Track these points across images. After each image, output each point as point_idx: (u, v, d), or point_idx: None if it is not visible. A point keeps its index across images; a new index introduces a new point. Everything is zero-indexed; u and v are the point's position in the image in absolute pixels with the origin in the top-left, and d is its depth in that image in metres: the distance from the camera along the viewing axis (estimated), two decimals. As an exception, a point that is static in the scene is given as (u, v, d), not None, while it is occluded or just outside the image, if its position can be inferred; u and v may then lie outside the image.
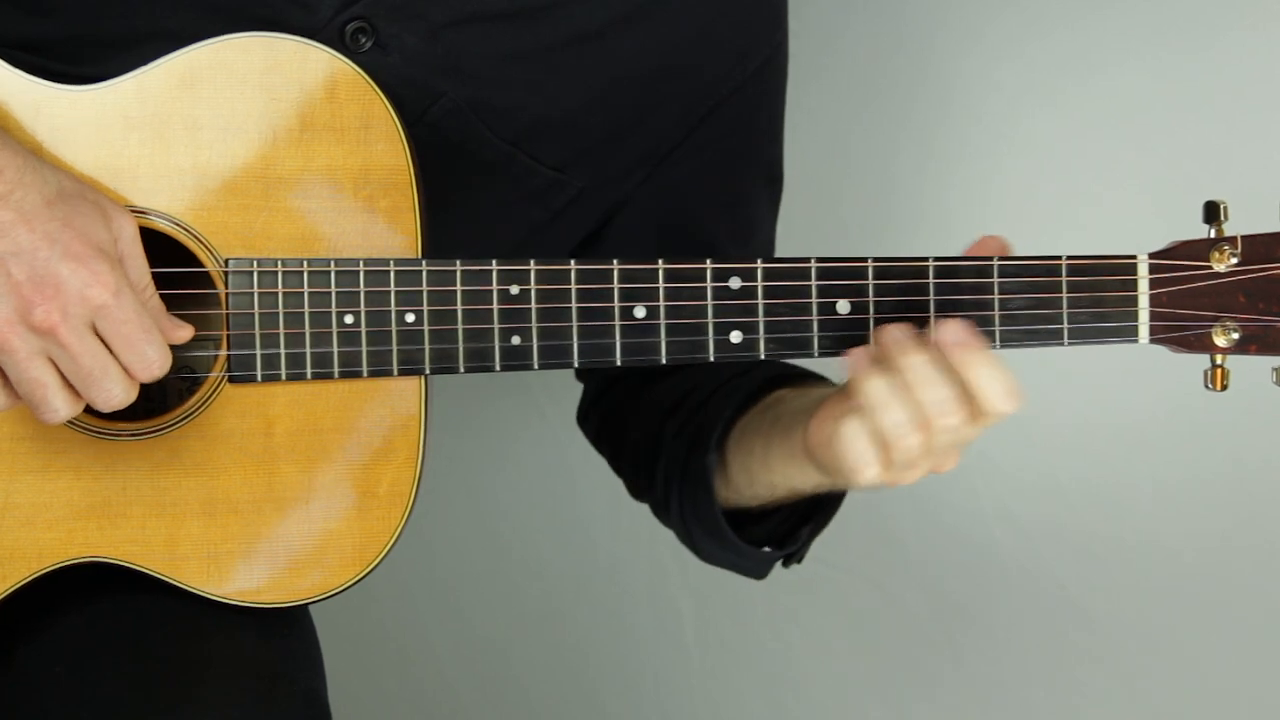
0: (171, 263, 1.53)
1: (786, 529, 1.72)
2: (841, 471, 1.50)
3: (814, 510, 1.71)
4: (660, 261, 1.55)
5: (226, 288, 1.54)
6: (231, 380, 1.55)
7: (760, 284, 1.54)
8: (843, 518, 1.74)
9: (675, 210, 1.77)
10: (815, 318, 1.54)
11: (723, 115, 1.76)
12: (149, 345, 1.47)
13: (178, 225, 1.54)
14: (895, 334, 1.49)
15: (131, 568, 1.56)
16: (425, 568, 2.54)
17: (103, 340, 1.47)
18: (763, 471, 1.66)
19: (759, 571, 1.76)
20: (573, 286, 1.54)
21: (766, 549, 1.73)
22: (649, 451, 1.77)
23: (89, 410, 1.51)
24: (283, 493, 1.57)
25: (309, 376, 1.55)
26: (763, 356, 1.55)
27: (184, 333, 1.51)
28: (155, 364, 1.48)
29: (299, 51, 1.55)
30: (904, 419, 1.45)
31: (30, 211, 1.45)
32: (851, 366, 1.50)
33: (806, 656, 2.50)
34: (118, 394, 1.48)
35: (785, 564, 1.75)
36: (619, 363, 1.55)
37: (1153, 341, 1.55)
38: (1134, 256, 1.54)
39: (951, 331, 1.46)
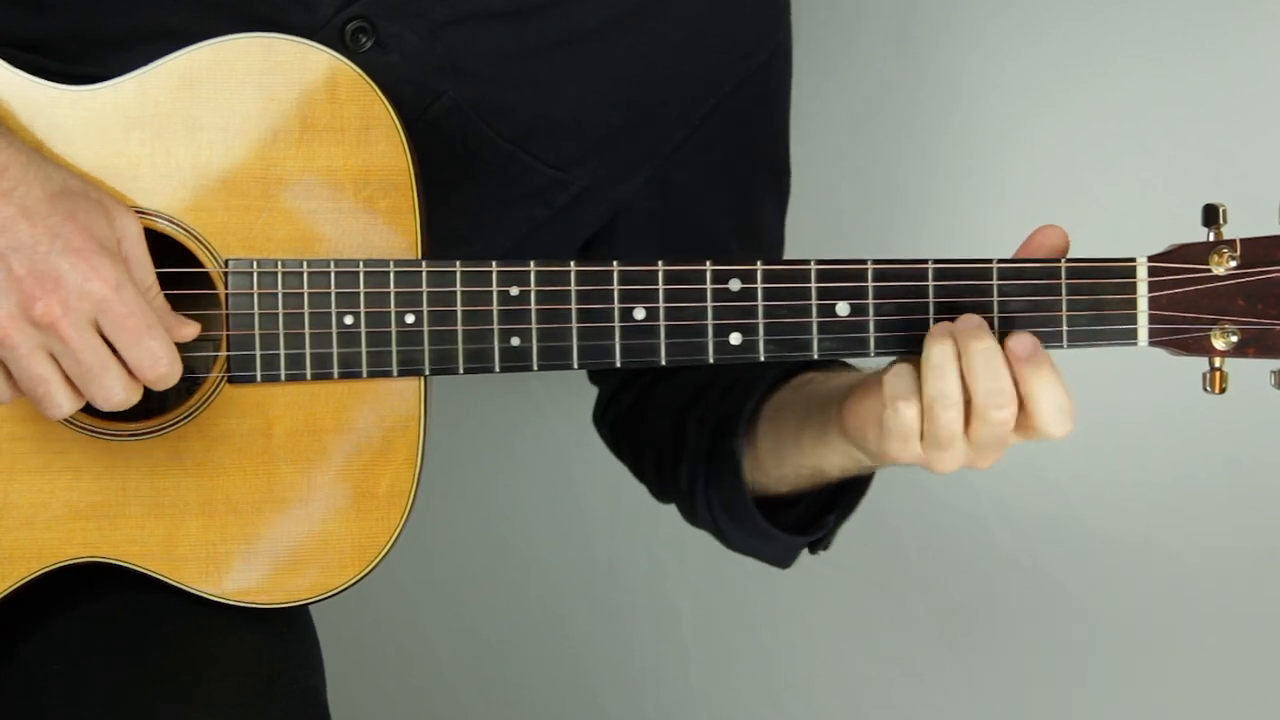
0: (171, 263, 1.53)
1: (812, 516, 1.73)
2: (886, 437, 1.51)
3: (838, 498, 1.72)
4: (660, 263, 1.55)
5: (226, 288, 1.54)
6: (231, 381, 1.55)
7: (760, 286, 1.54)
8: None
9: (681, 209, 1.77)
10: (815, 319, 1.54)
11: (726, 113, 1.76)
12: (153, 339, 1.47)
13: (177, 225, 1.54)
14: (974, 320, 1.50)
15: (130, 568, 1.57)
16: (424, 568, 2.54)
17: (106, 337, 1.47)
18: (793, 450, 1.66)
19: (784, 559, 1.77)
20: (572, 288, 1.55)
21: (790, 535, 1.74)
22: (672, 448, 1.77)
23: (89, 410, 1.51)
24: (282, 493, 1.57)
25: (308, 377, 1.55)
26: (762, 358, 1.55)
27: (190, 330, 1.51)
28: (162, 360, 1.47)
29: (299, 52, 1.55)
30: (950, 391, 1.47)
31: (32, 207, 1.45)
32: (928, 337, 1.51)
33: (806, 656, 2.50)
34: (118, 392, 1.47)
35: (812, 550, 1.76)
36: (619, 364, 1.55)
37: (1152, 344, 1.55)
38: (1133, 259, 1.54)
39: (1019, 345, 1.48)
